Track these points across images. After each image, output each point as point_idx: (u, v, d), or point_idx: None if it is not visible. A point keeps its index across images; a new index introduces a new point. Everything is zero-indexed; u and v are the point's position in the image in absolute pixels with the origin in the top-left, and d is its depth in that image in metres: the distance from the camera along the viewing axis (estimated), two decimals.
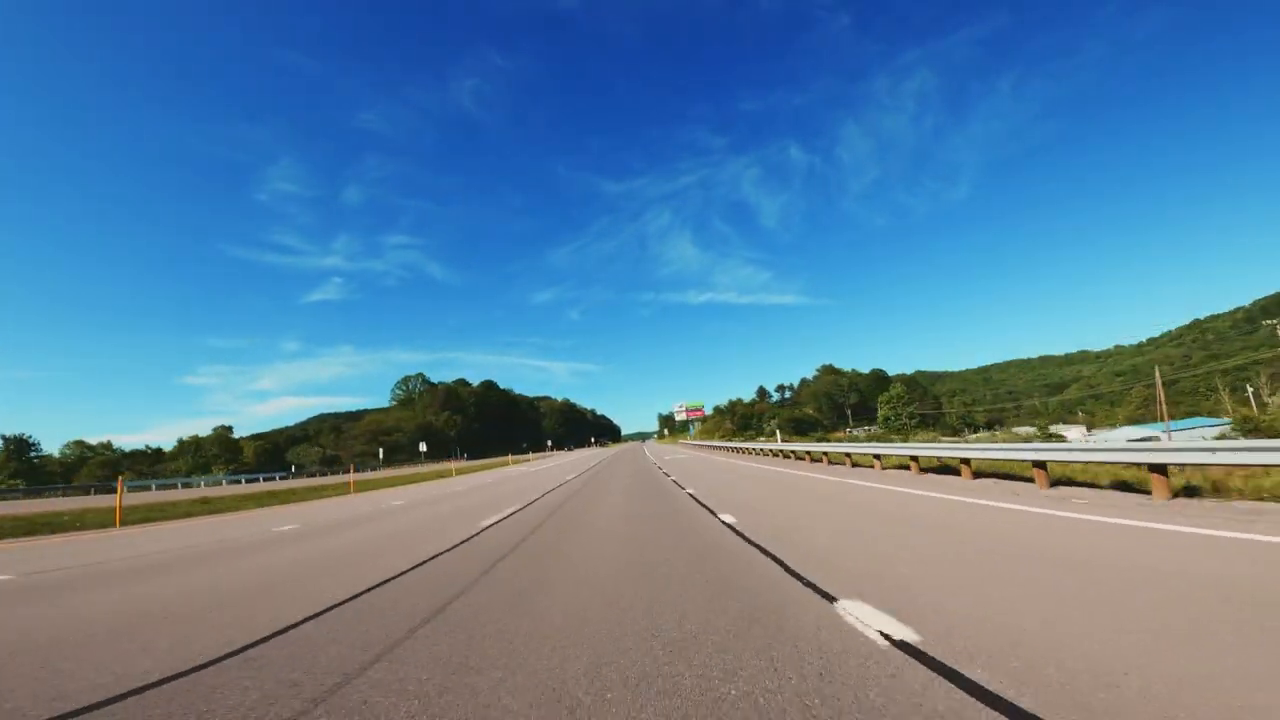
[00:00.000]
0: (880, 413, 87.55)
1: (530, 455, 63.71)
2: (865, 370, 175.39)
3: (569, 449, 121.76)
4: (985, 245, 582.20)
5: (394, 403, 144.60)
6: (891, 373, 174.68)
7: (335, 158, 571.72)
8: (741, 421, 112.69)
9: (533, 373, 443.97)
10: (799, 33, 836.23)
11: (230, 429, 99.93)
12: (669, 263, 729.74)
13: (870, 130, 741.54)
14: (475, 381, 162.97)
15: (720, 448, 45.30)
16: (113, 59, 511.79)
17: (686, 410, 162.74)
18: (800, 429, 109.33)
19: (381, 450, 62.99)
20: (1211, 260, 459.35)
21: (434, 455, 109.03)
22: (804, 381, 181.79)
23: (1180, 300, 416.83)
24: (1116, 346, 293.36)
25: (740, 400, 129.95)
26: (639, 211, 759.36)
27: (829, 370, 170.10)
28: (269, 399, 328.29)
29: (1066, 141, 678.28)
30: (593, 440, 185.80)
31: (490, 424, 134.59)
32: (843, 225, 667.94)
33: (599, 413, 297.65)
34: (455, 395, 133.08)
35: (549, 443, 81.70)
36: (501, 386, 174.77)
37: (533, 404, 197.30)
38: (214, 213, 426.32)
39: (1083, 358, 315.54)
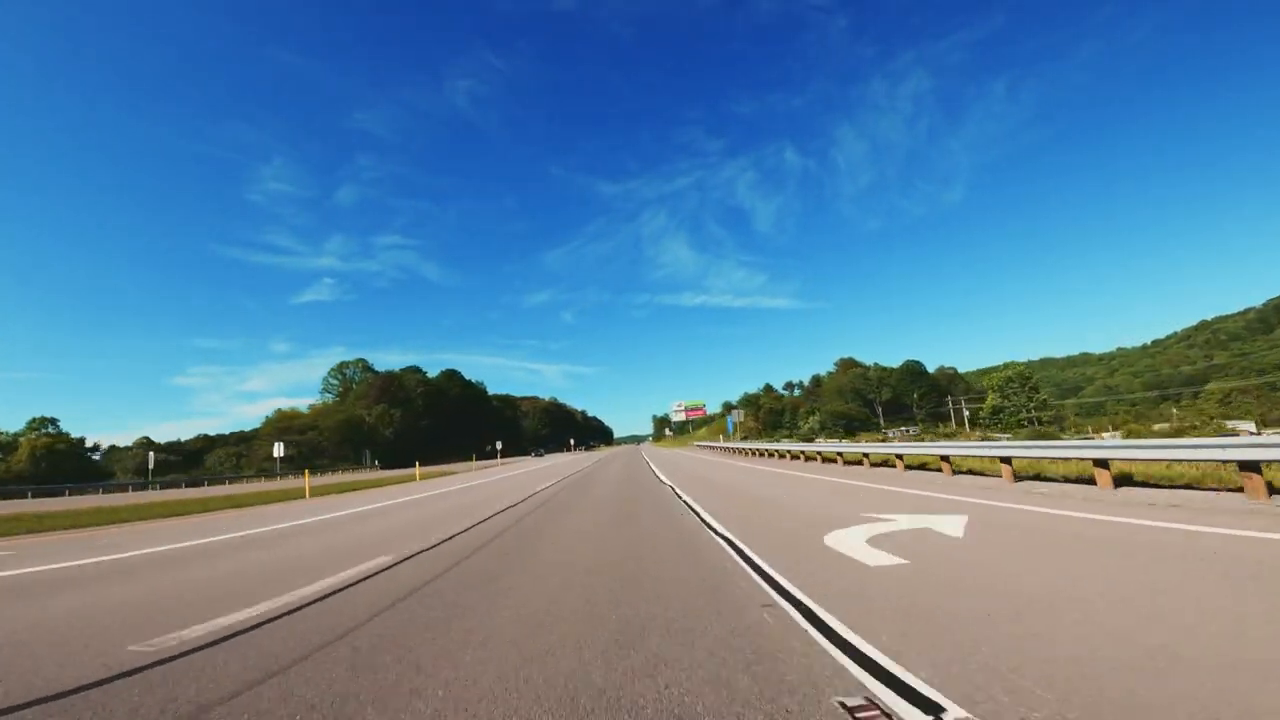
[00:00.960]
0: (988, 401, 62.85)
1: (416, 472, 34.97)
2: (888, 364, 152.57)
3: (537, 454, 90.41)
4: (982, 247, 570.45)
5: (328, 395, 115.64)
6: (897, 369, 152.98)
7: (329, 158, 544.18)
8: (770, 419, 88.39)
9: (526, 375, 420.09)
10: (795, 35, 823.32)
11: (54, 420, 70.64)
12: (663, 265, 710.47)
13: (865, 133, 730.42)
14: (460, 376, 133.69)
15: (758, 451, 30.01)
16: (102, 56, 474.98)
17: (686, 410, 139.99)
18: (850, 427, 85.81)
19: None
20: (1213, 261, 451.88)
21: (356, 461, 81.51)
22: (816, 378, 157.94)
23: (1181, 301, 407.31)
24: (1119, 349, 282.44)
25: (762, 393, 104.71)
26: (634, 213, 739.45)
27: (850, 363, 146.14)
28: (259, 400, 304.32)
29: (1063, 142, 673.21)
30: (572, 443, 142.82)
31: (448, 421, 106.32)
32: (837, 228, 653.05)
33: (590, 414, 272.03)
34: (397, 385, 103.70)
35: (498, 445, 53.92)
36: (473, 381, 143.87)
37: (510, 400, 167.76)
38: (205, 212, 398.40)
39: (1085, 360, 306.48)
